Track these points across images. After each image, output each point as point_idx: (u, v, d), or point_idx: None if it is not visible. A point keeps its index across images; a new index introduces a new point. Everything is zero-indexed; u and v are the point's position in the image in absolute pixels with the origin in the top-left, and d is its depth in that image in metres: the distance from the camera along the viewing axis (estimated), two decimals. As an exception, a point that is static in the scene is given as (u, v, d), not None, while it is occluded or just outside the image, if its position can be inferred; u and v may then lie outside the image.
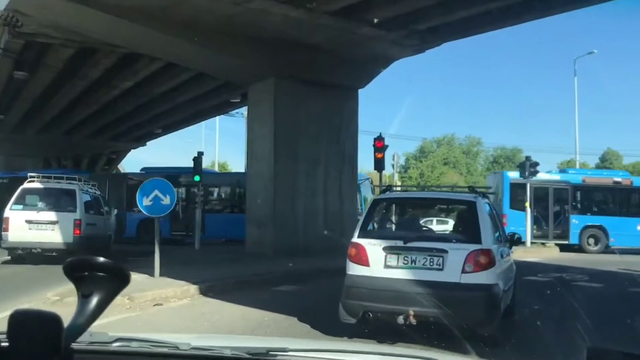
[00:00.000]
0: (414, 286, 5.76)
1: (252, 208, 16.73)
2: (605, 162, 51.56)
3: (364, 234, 6.56)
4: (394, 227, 7.99)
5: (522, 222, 20.75)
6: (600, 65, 77.68)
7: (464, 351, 3.54)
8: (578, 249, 21.85)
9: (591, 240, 22.10)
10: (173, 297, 8.96)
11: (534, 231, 21.67)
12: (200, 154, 18.58)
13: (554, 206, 22.36)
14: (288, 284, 10.87)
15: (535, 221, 21.80)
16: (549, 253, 20.89)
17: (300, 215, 16.22)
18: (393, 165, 30.44)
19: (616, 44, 74.41)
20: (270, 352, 1.44)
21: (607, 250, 21.57)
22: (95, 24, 14.39)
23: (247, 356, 1.40)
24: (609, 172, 28.64)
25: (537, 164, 20.40)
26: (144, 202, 10.19)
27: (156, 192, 10.19)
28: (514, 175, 22.41)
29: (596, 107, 72.63)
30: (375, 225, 7.24)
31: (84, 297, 1.14)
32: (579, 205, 22.62)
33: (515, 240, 7.87)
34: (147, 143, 35.78)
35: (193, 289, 9.46)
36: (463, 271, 5.85)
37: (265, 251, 15.57)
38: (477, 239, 6.06)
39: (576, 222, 22.07)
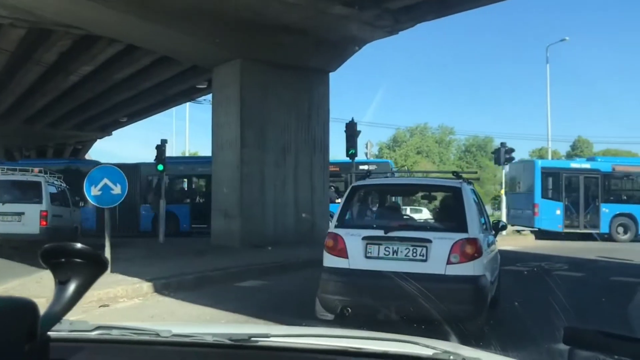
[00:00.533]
0: (396, 279, 5.28)
1: (218, 198, 15.79)
2: (576, 150, 51.70)
3: (342, 223, 6.09)
4: (374, 215, 7.29)
5: (554, 212, 20.46)
6: (572, 52, 78.27)
7: (444, 335, 3.36)
8: (608, 237, 21.18)
9: (620, 229, 21.53)
10: (123, 296, 8.03)
11: (565, 221, 21.29)
12: (164, 141, 17.50)
13: (584, 195, 21.72)
14: (253, 279, 10.02)
15: (566, 210, 21.38)
16: (524, 241, 20.42)
17: (270, 205, 15.36)
18: (366, 154, 29.75)
19: (588, 31, 74.89)
20: (252, 338, 1.42)
21: (636, 239, 21.02)
22: (45, 1, 13.27)
23: (229, 342, 1.39)
24: (637, 160, 28.58)
25: (512, 150, 19.81)
26: (92, 192, 9.21)
27: (105, 180, 9.22)
28: (547, 163, 21.98)
29: (568, 94, 73.15)
30: (354, 214, 6.69)
31: (60, 284, 1.13)
32: (609, 194, 21.96)
33: (500, 228, 7.41)
34: (114, 133, 34.51)
35: (146, 286, 8.55)
36: (448, 262, 5.46)
37: (232, 243, 14.68)
38: (463, 228, 5.62)
39: (606, 210, 21.46)
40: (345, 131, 15.05)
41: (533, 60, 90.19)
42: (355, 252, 5.72)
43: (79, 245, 1.12)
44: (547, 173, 21.48)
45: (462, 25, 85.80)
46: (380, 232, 5.78)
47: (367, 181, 7.04)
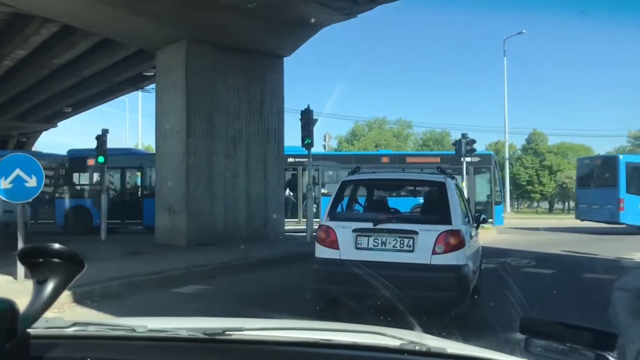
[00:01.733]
0: (384, 268, 5.53)
1: (162, 192, 14.38)
2: (532, 143, 51.74)
3: (333, 216, 6.27)
4: (363, 208, 7.58)
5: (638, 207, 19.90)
6: (529, 45, 78.73)
7: (408, 325, 3.23)
8: None
9: None
10: (31, 309, 6.61)
11: None
12: (105, 131, 15.88)
13: None
14: (194, 283, 8.73)
15: None
16: (486, 235, 19.60)
17: (219, 199, 14.05)
18: (324, 146, 28.69)
19: (545, 24, 75.31)
20: (227, 332, 1.43)
21: None
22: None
23: (203, 336, 1.41)
24: None
25: (473, 141, 18.95)
26: (1, 185, 7.75)
27: (18, 171, 7.78)
28: (630, 158, 21.31)
29: (525, 87, 73.61)
30: (345, 207, 6.89)
31: (39, 284, 1.15)
32: None
33: (481, 221, 7.62)
34: (61, 124, 32.38)
35: (64, 295, 7.11)
36: (433, 252, 5.70)
37: (177, 242, 13.35)
38: (447, 220, 5.86)
39: None
40: (301, 119, 13.83)
41: (491, 53, 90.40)
42: (346, 243, 5.93)
43: (56, 245, 1.15)
44: (632, 168, 20.84)
45: (420, 19, 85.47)
46: (369, 225, 5.97)
47: (357, 176, 7.11)
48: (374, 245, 5.90)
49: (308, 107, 13.67)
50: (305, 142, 13.68)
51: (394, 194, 14.20)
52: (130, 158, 19.76)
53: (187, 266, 9.74)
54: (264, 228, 14.77)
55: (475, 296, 6.78)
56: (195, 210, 13.51)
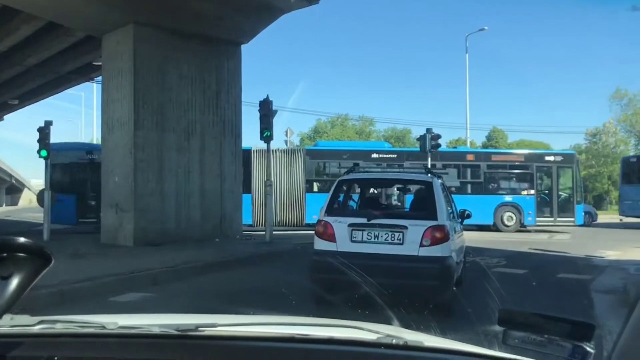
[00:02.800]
0: (377, 259, 6.05)
1: (108, 188, 13.19)
2: (492, 140, 51.83)
3: (331, 212, 6.73)
4: (357, 205, 7.96)
5: None
6: (490, 42, 79.16)
7: (386, 319, 2.82)
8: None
9: None
10: None
11: None
12: (48, 123, 14.54)
13: None
14: (137, 290, 7.66)
15: None
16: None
17: (171, 196, 12.96)
18: (286, 142, 27.69)
19: (506, 22, 75.76)
20: (200, 328, 1.39)
21: None
22: None
23: (176, 333, 1.37)
24: None
25: (439, 136, 18.26)
26: None
27: None
28: None
29: (486, 84, 73.84)
30: (341, 204, 7.39)
31: (2, 280, 1.11)
32: None
33: (465, 216, 7.99)
34: (7, 118, 30.54)
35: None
36: (421, 245, 6.15)
37: (124, 242, 12.24)
38: (433, 216, 6.32)
39: None
40: (259, 110, 12.82)
41: (453, 49, 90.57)
42: (342, 236, 6.39)
43: (21, 239, 1.10)
44: None
45: (382, 15, 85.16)
46: (363, 220, 6.45)
47: (352, 175, 7.53)
48: (367, 239, 6.37)
49: (267, 97, 12.69)
50: (264, 135, 12.68)
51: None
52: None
53: (131, 270, 8.63)
54: (220, 227, 13.74)
55: (456, 288, 7.04)
56: (144, 207, 12.39)
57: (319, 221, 6.76)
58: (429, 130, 18.38)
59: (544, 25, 75.30)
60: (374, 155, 20.46)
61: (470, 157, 21.57)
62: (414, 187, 8.72)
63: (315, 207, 18.86)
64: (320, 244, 6.55)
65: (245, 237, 14.06)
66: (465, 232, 8.39)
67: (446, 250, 6.25)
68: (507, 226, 20.26)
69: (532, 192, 20.55)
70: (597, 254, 13.09)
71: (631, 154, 37.28)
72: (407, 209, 8.62)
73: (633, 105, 44.70)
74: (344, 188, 7.50)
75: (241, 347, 1.40)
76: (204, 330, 1.39)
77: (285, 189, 20.05)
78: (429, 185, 6.82)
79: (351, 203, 7.98)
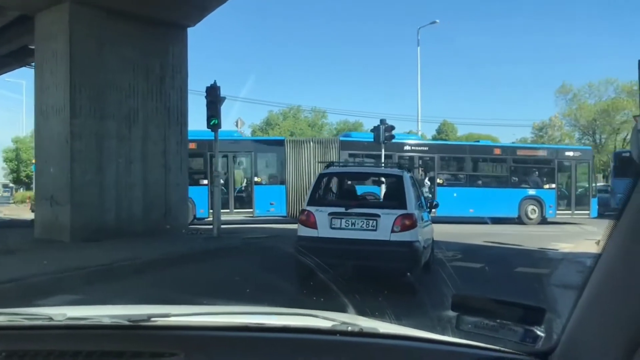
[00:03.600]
0: (353, 244, 6.83)
1: (42, 179, 12.22)
2: (442, 133, 52.19)
3: (313, 202, 7.38)
4: (336, 196, 8.59)
5: None
6: (442, 35, 79.74)
7: (342, 307, 3.19)
8: None
9: None
10: None
11: None
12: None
13: None
14: (65, 293, 6.85)
15: None
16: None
17: (110, 188, 12.06)
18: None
19: (457, 14, 76.42)
20: (152, 318, 1.36)
21: None
22: None
23: (127, 323, 1.35)
24: None
25: (392, 127, 17.87)
26: None
27: None
28: None
29: (437, 76, 74.45)
30: (322, 195, 7.96)
31: None
32: None
33: (433, 206, 9.03)
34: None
35: None
36: (392, 231, 6.81)
37: (60, 237, 11.29)
38: (403, 206, 7.00)
39: None
40: (206, 97, 12.04)
41: (406, 42, 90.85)
42: (323, 224, 7.02)
43: None
44: None
45: (333, 7, 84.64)
46: (342, 209, 7.08)
47: (331, 169, 8.45)
48: (345, 226, 6.99)
49: (214, 83, 11.91)
50: (211, 123, 11.91)
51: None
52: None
53: (61, 269, 7.82)
54: (164, 221, 12.92)
55: (425, 270, 7.78)
56: (81, 200, 11.45)
57: (302, 210, 7.45)
58: (382, 121, 17.98)
59: (496, 20, 76.48)
60: (406, 147, 20.70)
61: (497, 151, 21.83)
62: (385, 180, 9.41)
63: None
64: (303, 231, 7.19)
65: (192, 232, 13.28)
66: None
67: (414, 236, 6.91)
68: (530, 219, 20.64)
69: (553, 186, 21.03)
70: (551, 246, 12.96)
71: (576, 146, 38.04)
72: (380, 200, 9.33)
73: (577, 100, 45.68)
74: (325, 181, 8.13)
75: (195, 337, 1.37)
76: (156, 321, 1.36)
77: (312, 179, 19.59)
78: (399, 179, 7.54)
79: (331, 194, 8.60)
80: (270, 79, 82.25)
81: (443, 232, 16.21)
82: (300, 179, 19.33)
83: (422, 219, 7.56)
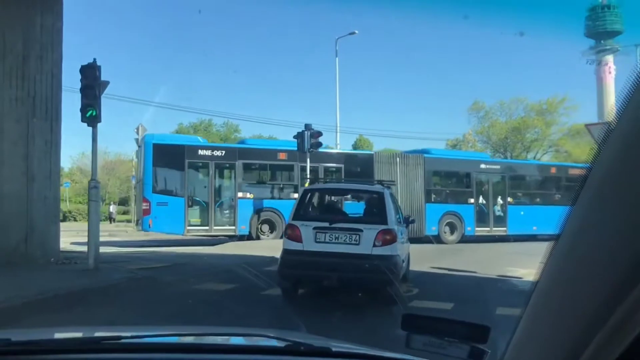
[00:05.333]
0: (336, 257, 7.01)
1: None
2: (358, 148, 50.51)
3: (298, 216, 7.55)
4: (320, 211, 8.59)
5: None
6: (360, 46, 78.92)
7: (294, 326, 3.44)
8: None
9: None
10: None
11: None
12: None
13: None
14: None
15: None
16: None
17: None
18: (137, 140, 23.24)
19: (376, 26, 75.70)
20: (103, 341, 1.35)
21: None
22: None
23: (76, 347, 1.31)
24: None
25: (320, 133, 15.26)
26: None
27: None
28: None
29: (356, 88, 73.28)
30: (307, 210, 8.07)
31: None
32: None
33: (409, 222, 9.28)
34: None
35: None
36: (374, 245, 7.06)
37: None
38: (384, 221, 7.32)
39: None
40: (81, 79, 8.75)
41: (325, 52, 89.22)
42: (308, 238, 7.25)
43: None
44: None
45: (250, 19, 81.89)
46: (326, 224, 7.29)
47: (315, 185, 9.62)
48: (329, 240, 7.20)
49: (94, 62, 8.68)
50: (88, 115, 8.64)
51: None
52: None
53: None
54: (25, 246, 9.47)
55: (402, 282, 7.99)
56: None
57: (288, 224, 7.69)
58: (307, 127, 15.30)
59: (417, 37, 76.81)
60: (482, 166, 20.52)
61: (553, 170, 22.12)
62: (367, 196, 9.18)
63: (433, 218, 18.90)
64: (289, 244, 7.33)
65: (64, 261, 9.82)
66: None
67: (395, 250, 7.19)
68: None
69: None
70: (510, 273, 10.72)
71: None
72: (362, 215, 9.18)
73: (489, 118, 45.67)
74: (309, 196, 8.23)
75: None
76: (107, 344, 1.33)
77: (405, 197, 18.26)
78: (380, 195, 7.76)
79: (316, 209, 8.57)
80: (183, 91, 77.89)
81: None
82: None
83: (401, 234, 7.89)
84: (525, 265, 11.27)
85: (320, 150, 16.50)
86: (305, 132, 15.12)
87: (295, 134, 15.20)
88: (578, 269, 0.77)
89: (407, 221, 9.05)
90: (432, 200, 19.23)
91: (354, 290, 7.56)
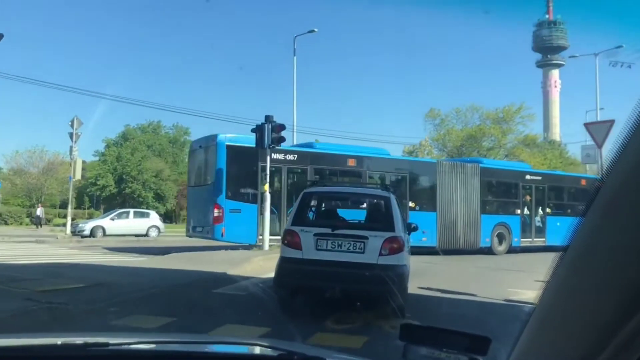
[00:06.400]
0: (339, 266, 6.41)
1: None
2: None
3: (297, 222, 6.95)
4: (322, 216, 8.07)
5: None
6: (320, 45, 77.26)
7: (290, 336, 3.26)
8: None
9: None
10: None
11: None
12: None
13: None
14: None
15: None
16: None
17: None
18: (71, 135, 20.39)
19: (335, 24, 74.19)
20: (88, 348, 1.27)
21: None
22: None
23: (63, 354, 1.26)
24: None
25: (283, 127, 13.03)
26: None
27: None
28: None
29: (315, 87, 71.45)
30: (307, 215, 7.60)
31: None
32: None
33: (412, 229, 8.09)
34: None
35: None
36: (380, 254, 6.46)
37: None
38: (391, 228, 6.67)
39: None
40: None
41: (284, 50, 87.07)
42: (308, 245, 6.63)
43: None
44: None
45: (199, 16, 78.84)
46: (328, 230, 6.67)
47: (315, 188, 8.16)
48: (331, 247, 6.59)
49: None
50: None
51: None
52: None
53: None
54: None
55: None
56: None
57: (286, 230, 6.99)
58: (268, 119, 13.02)
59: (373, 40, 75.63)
60: (527, 177, 20.02)
61: (583, 182, 21.49)
62: (372, 201, 8.66)
63: (487, 229, 18.11)
64: (287, 252, 6.75)
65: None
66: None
67: (402, 259, 6.63)
68: None
69: None
70: (513, 296, 8.75)
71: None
72: (367, 221, 8.31)
73: (445, 125, 44.65)
74: (309, 200, 7.67)
75: None
76: (94, 350, 1.28)
77: (463, 208, 17.76)
78: (387, 200, 7.19)
79: (317, 214, 8.11)
80: (130, 94, 74.16)
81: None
82: (449, 205, 17.58)
83: (407, 242, 7.27)
84: (528, 286, 9.40)
85: (385, 156, 16.64)
86: (266, 125, 12.87)
87: (254, 126, 12.91)
88: (587, 279, 0.76)
89: (410, 228, 8.01)
90: (486, 211, 18.53)
91: (355, 302, 6.75)
